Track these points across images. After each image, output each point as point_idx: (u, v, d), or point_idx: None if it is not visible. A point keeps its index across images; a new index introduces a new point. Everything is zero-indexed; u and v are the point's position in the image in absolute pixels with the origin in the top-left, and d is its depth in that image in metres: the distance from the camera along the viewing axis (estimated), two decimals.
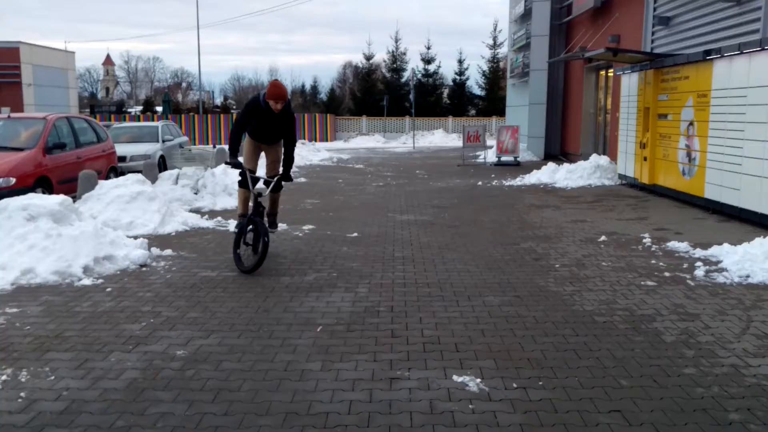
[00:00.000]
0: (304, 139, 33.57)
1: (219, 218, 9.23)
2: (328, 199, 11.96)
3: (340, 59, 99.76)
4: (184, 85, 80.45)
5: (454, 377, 3.81)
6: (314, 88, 56.90)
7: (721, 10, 11.10)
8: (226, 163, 6.41)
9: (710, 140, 9.73)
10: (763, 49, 8.27)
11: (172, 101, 42.41)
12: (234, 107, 58.13)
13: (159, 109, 43.36)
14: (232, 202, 10.74)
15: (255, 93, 6.86)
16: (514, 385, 3.71)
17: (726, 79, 9.28)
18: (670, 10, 13.14)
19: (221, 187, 11.03)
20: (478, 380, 3.76)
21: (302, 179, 15.79)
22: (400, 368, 3.97)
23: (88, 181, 9.29)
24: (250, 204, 6.70)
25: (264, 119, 6.53)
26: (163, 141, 16.39)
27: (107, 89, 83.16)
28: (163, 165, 15.24)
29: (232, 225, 8.77)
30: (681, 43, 12.54)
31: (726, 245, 6.87)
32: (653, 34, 14.00)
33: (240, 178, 6.81)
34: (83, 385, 3.74)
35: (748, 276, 6.00)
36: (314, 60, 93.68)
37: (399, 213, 10.23)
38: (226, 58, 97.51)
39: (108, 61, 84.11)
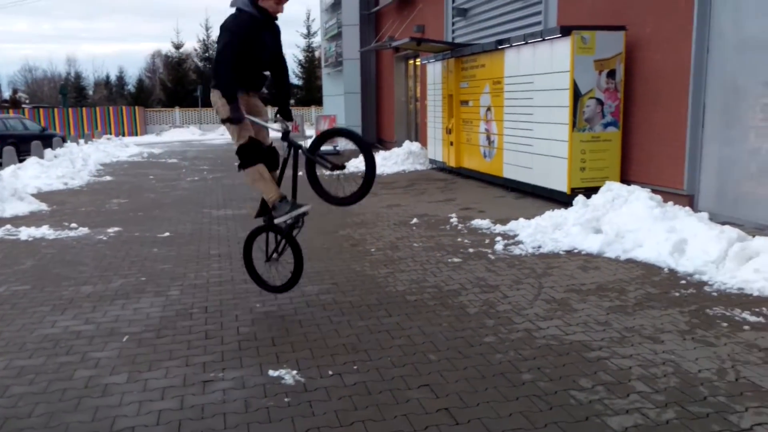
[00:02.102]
0: (111, 134, 31.27)
1: (8, 226, 8.26)
2: (137, 197, 11.24)
3: (149, 48, 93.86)
4: None
5: (270, 372, 3.76)
6: (120, 78, 53.08)
7: (510, 3, 12.08)
8: (231, 120, 4.41)
9: (506, 124, 10.57)
10: (544, 40, 9.12)
11: None
12: (27, 101, 52.27)
13: None
14: (24, 207, 9.68)
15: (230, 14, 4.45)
16: (330, 373, 3.75)
17: (516, 67, 10.12)
18: (467, 2, 14.04)
19: (10, 191, 9.88)
20: (294, 372, 3.75)
21: (108, 177, 14.68)
22: (214, 370, 3.83)
23: None
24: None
25: (261, 37, 4.44)
26: None
27: None
28: None
29: (23, 233, 7.90)
30: (478, 33, 13.46)
31: (521, 220, 7.52)
32: (453, 24, 14.87)
33: (243, 153, 4.64)
34: None
35: (539, 246, 6.62)
36: (119, 49, 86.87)
37: (215, 208, 9.89)
38: (15, 46, 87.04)
39: None
